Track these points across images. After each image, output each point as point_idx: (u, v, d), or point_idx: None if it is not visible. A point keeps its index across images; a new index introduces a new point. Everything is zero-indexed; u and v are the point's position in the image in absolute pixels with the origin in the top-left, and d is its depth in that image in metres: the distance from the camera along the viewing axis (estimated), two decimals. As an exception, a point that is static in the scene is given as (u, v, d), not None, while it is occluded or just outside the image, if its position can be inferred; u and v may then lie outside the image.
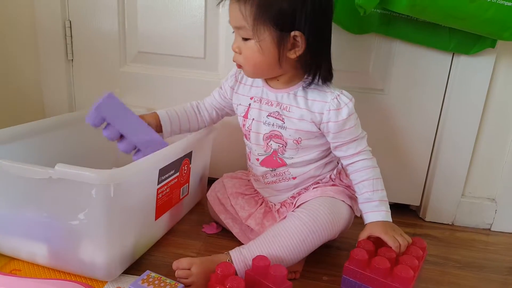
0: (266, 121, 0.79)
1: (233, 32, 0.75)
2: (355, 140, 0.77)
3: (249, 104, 0.81)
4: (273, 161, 0.81)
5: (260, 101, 0.80)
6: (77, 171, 0.60)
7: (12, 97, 1.15)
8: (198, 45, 1.05)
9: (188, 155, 0.86)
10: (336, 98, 0.74)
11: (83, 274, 0.69)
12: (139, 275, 0.67)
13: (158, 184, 0.76)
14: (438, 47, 0.91)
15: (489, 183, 1.01)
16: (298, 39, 0.70)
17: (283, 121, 0.77)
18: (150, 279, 0.65)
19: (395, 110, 0.98)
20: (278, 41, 0.70)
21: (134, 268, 0.73)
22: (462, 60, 0.92)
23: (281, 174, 0.82)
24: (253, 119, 0.81)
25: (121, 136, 0.75)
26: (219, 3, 0.75)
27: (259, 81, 0.82)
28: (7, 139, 0.78)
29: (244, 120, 0.82)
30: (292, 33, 0.69)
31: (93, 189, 0.61)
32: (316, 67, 0.74)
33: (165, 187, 0.79)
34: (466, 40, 0.87)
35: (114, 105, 0.74)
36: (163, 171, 0.76)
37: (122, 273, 0.71)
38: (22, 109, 1.16)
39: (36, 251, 0.70)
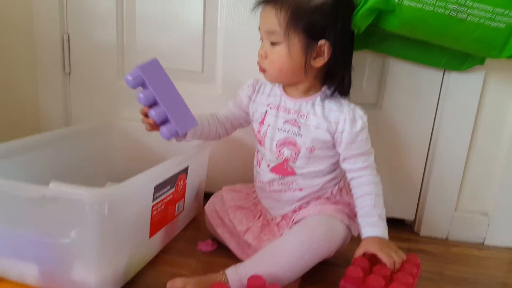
0: (282, 127, 0.81)
1: (260, 39, 0.79)
2: (364, 155, 0.79)
3: (266, 111, 0.83)
4: (284, 169, 0.82)
5: (278, 108, 0.82)
6: (72, 189, 0.60)
7: (8, 110, 1.16)
8: (196, 59, 1.06)
9: (185, 170, 0.86)
10: (352, 110, 0.77)
11: (75, 295, 0.68)
12: (133, 295, 0.67)
13: (153, 201, 0.75)
14: (429, 64, 0.92)
15: (481, 198, 1.02)
16: (324, 48, 0.74)
17: (299, 128, 0.79)
18: (145, 298, 0.65)
19: (389, 125, 1.00)
20: (305, 48, 0.74)
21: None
22: (453, 76, 0.93)
23: (288, 184, 0.83)
24: (269, 125, 0.82)
25: (154, 104, 0.73)
26: (254, 8, 0.78)
27: (276, 91, 0.84)
28: (1, 155, 0.77)
29: (260, 126, 0.84)
30: (320, 42, 0.73)
31: (87, 207, 0.61)
32: (337, 79, 0.78)
33: (160, 204, 0.78)
34: (457, 57, 0.89)
35: (157, 70, 0.73)
36: (158, 188, 0.76)
37: (116, 292, 0.70)
38: (18, 122, 1.16)
39: (26, 271, 0.69)
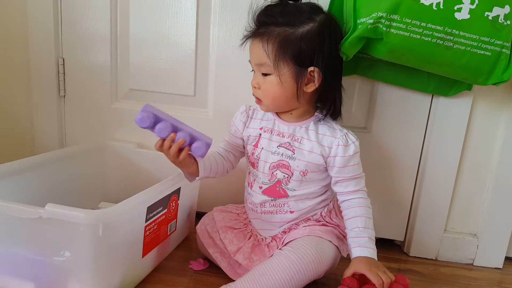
0: (275, 151, 0.82)
1: (252, 70, 0.81)
2: (356, 178, 0.81)
3: (260, 134, 0.85)
4: (276, 191, 0.83)
5: (271, 131, 0.84)
6: (67, 211, 0.62)
7: (4, 133, 1.16)
8: (188, 83, 1.08)
9: (177, 191, 0.87)
10: (345, 135, 0.80)
11: (69, 313, 0.69)
12: (125, 315, 0.67)
13: (146, 222, 0.77)
14: (417, 89, 0.95)
15: (470, 219, 1.04)
16: (314, 74, 0.76)
17: (293, 152, 0.81)
18: (136, 319, 0.65)
19: (378, 148, 1.02)
20: (296, 76, 0.76)
21: (120, 306, 0.73)
22: (441, 101, 0.96)
23: (280, 205, 0.84)
24: (262, 148, 0.83)
25: (173, 132, 0.73)
26: (242, 43, 0.80)
27: (269, 115, 0.86)
28: (-2, 177, 0.79)
29: (254, 149, 0.85)
30: (309, 69, 0.75)
31: (81, 228, 0.62)
32: (330, 102, 0.80)
33: (153, 224, 0.79)
34: (444, 83, 0.91)
35: (156, 109, 0.73)
36: (151, 209, 0.77)
37: (108, 311, 0.71)
38: (13, 144, 1.17)
39: (23, 289, 0.70)
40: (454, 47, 0.77)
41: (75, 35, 1.09)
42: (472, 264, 1.04)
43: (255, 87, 0.80)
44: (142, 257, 0.79)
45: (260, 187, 0.85)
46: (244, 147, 0.90)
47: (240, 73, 1.02)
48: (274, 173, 0.82)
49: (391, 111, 0.99)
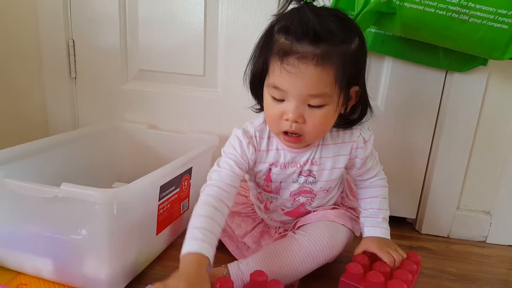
0: (296, 179, 0.76)
1: (277, 99, 0.65)
2: (373, 165, 0.79)
3: (270, 169, 0.76)
4: (299, 212, 0.81)
5: (285, 166, 0.75)
6: (82, 190, 0.62)
7: (17, 115, 1.18)
8: (197, 63, 1.07)
9: (189, 171, 0.88)
10: (360, 134, 0.74)
11: (87, 288, 0.71)
12: (141, 290, 0.69)
13: (159, 200, 0.78)
14: (431, 65, 0.93)
15: (484, 197, 1.03)
16: (353, 94, 0.68)
17: (315, 177, 0.76)
18: (152, 294, 0.66)
19: (391, 125, 1.00)
20: (346, 99, 0.67)
21: (136, 282, 0.75)
22: (456, 77, 0.94)
23: (301, 214, 0.82)
24: (280, 182, 0.77)
25: None
26: (282, 62, 0.62)
27: (273, 143, 0.74)
28: (12, 158, 0.80)
29: (268, 183, 0.78)
30: (353, 89, 0.67)
31: (96, 207, 0.63)
32: (361, 113, 0.72)
33: (166, 202, 0.81)
34: (459, 58, 0.89)
35: None
36: (164, 188, 0.78)
37: (125, 287, 0.73)
38: (27, 126, 1.18)
39: (41, 266, 0.72)
40: (470, 20, 0.75)
41: (85, 16, 1.09)
42: (484, 242, 1.04)
43: (298, 122, 0.64)
44: (156, 234, 0.80)
45: (282, 209, 0.81)
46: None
47: (249, 52, 1.00)
48: (296, 199, 0.79)
49: (404, 87, 0.98)
